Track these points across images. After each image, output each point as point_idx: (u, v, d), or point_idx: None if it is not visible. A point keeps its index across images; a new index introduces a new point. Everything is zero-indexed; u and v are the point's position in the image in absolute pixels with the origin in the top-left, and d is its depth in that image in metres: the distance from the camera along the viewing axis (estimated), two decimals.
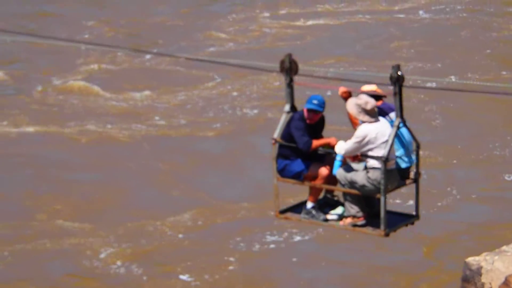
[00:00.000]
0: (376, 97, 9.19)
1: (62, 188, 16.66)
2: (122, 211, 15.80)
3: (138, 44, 25.21)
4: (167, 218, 15.48)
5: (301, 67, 9.28)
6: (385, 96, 9.33)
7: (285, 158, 9.32)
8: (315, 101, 9.12)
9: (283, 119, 9.37)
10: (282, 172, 9.35)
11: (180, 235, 15.03)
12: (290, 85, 9.31)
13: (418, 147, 9.12)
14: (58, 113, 20.61)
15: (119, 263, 14.16)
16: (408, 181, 9.23)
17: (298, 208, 9.60)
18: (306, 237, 14.84)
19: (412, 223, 9.37)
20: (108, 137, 19.25)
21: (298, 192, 10.02)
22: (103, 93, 21.78)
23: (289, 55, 9.25)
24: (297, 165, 9.25)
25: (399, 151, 9.06)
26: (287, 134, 9.24)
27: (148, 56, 24.43)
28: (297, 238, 14.88)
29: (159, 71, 23.67)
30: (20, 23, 26.97)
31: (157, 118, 20.32)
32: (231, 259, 14.33)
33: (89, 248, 14.54)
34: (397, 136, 8.96)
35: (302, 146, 9.07)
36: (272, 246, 14.73)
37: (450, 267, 13.64)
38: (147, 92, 21.86)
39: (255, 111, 20.78)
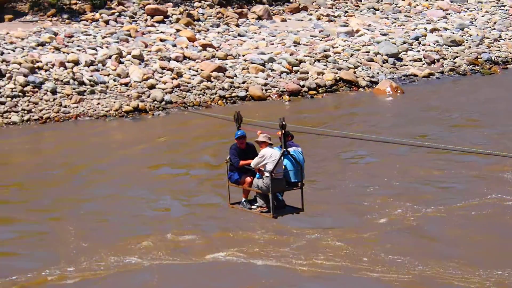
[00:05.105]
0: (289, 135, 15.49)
1: None
2: None
3: None
4: None
5: (244, 119, 15.85)
6: (292, 136, 15.57)
7: (231, 171, 15.84)
8: (239, 132, 15.57)
9: None
10: (229, 179, 15.86)
11: None
12: (238, 129, 15.85)
13: (301, 168, 15.24)
14: None
15: None
16: (295, 188, 15.35)
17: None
18: None
19: (298, 213, 15.48)
20: None
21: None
22: None
23: (238, 112, 15.88)
24: (236, 175, 15.74)
25: (291, 171, 15.24)
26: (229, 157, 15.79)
27: None
28: None
29: None
30: None
31: None
32: None
33: None
34: (291, 160, 15.19)
35: (233, 163, 15.56)
36: None
37: None
38: None
39: None
